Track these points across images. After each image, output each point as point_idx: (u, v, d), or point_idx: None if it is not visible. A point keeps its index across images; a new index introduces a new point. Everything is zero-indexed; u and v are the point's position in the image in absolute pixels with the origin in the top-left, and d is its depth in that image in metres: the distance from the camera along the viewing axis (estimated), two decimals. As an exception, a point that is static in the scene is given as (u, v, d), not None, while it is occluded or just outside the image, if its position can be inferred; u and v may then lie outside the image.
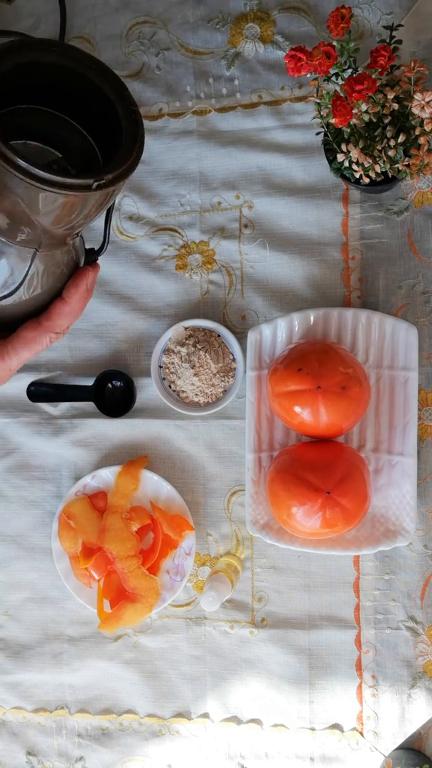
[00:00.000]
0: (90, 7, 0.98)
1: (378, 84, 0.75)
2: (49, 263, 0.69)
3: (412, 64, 0.74)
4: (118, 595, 0.95)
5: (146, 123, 0.94)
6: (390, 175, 0.81)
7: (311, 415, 0.82)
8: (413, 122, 0.77)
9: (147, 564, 0.94)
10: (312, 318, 0.89)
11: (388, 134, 0.77)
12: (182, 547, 0.95)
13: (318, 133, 0.82)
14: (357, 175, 0.80)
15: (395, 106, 0.76)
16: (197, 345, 0.93)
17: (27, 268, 0.67)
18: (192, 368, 0.92)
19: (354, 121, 0.77)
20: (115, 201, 0.91)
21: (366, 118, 0.77)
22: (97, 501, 0.97)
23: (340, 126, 0.76)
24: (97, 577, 0.97)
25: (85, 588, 0.97)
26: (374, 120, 0.77)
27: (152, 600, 0.94)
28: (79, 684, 1.01)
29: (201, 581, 0.97)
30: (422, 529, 0.91)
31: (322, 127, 0.81)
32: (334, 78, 0.78)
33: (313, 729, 0.94)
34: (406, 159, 0.78)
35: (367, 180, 0.81)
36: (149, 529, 0.97)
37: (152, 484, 0.96)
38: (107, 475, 0.97)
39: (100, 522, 0.96)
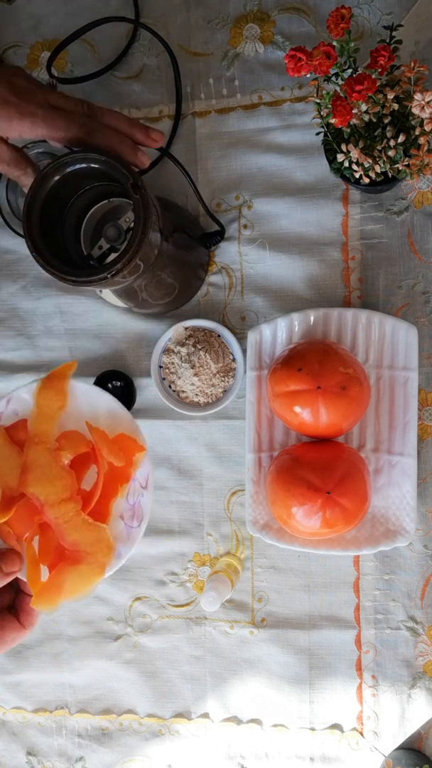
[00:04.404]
0: (90, 9, 0.98)
1: (378, 84, 0.75)
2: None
3: (412, 64, 0.74)
4: (58, 557, 0.71)
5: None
6: (390, 175, 0.81)
7: (311, 415, 0.82)
8: (413, 122, 0.77)
9: (88, 508, 0.71)
10: (312, 318, 0.89)
11: (388, 134, 0.77)
12: (136, 479, 0.72)
13: (318, 133, 0.82)
14: (357, 175, 0.81)
15: (395, 106, 0.76)
16: (197, 345, 0.93)
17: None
18: (192, 368, 0.92)
19: (354, 121, 0.77)
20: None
21: (366, 118, 0.77)
22: (16, 432, 0.73)
23: (340, 126, 0.76)
24: (24, 536, 0.71)
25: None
26: (374, 120, 0.77)
27: (103, 557, 0.70)
28: (79, 684, 1.01)
29: (201, 581, 0.97)
30: (422, 529, 0.91)
31: (322, 127, 0.82)
32: (334, 78, 0.78)
33: (313, 729, 0.94)
34: (406, 159, 0.78)
35: (367, 180, 0.81)
36: (89, 461, 0.72)
37: (87, 399, 0.73)
38: (27, 396, 0.74)
39: (20, 459, 0.71)
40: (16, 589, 0.71)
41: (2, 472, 0.72)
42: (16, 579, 0.70)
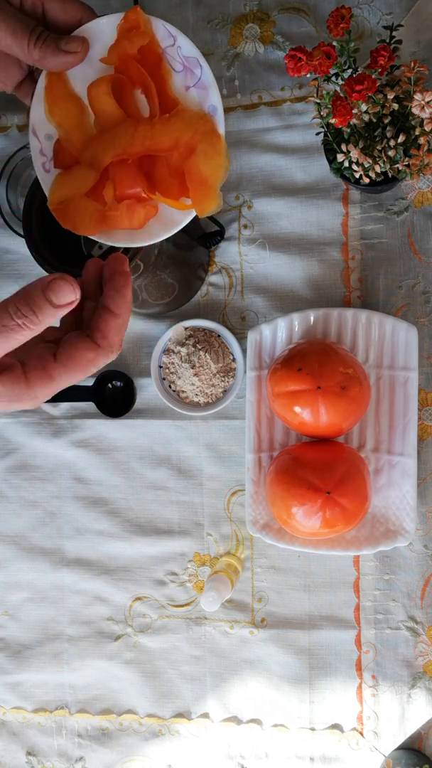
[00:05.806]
0: (90, 7, 0.98)
1: (378, 84, 0.75)
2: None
3: (412, 64, 0.74)
4: (182, 176, 0.68)
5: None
6: (390, 175, 0.81)
7: (311, 415, 0.82)
8: (413, 122, 0.77)
9: (155, 108, 0.68)
10: (312, 318, 0.89)
11: (388, 134, 0.77)
12: (164, 49, 0.68)
13: (318, 133, 0.82)
14: (357, 175, 0.81)
15: (395, 106, 0.76)
16: (197, 345, 0.93)
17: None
18: (192, 368, 0.92)
19: (354, 121, 0.77)
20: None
21: (366, 118, 0.77)
22: (64, 156, 0.70)
23: (340, 126, 0.76)
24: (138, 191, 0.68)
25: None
26: (374, 120, 0.77)
27: (203, 125, 0.66)
28: (79, 684, 1.01)
29: (201, 581, 0.97)
30: (422, 529, 0.91)
31: (322, 127, 0.82)
32: (334, 78, 0.78)
33: (313, 729, 0.94)
34: (406, 159, 0.78)
35: (367, 180, 0.81)
36: (126, 88, 0.69)
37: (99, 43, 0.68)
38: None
39: (84, 167, 0.69)
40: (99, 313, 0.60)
41: (81, 182, 0.68)
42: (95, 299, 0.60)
